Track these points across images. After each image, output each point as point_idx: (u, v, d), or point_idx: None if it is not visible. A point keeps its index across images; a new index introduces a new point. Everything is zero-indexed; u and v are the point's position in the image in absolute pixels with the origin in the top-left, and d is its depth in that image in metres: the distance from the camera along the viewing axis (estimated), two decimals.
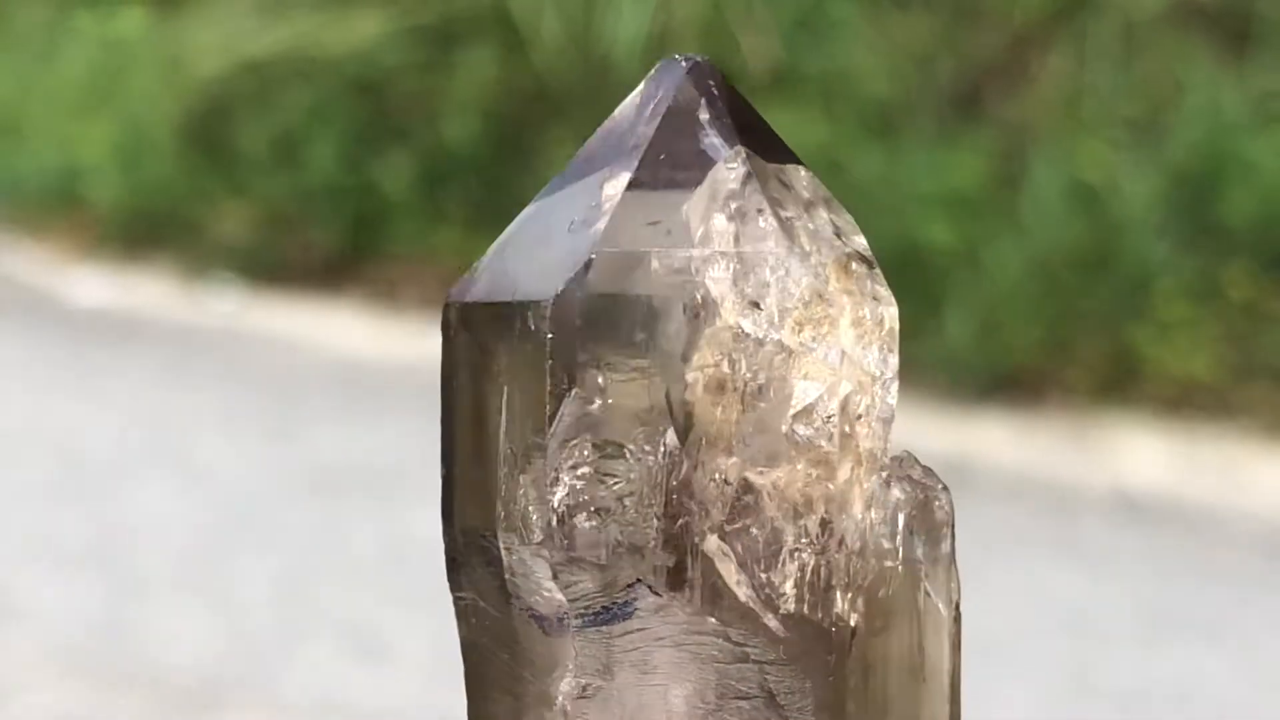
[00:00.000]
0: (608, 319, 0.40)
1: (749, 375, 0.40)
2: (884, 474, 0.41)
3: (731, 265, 0.40)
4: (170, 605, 2.65)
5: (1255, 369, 3.46)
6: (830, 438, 0.40)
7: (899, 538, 0.41)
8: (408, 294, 4.17)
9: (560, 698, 0.41)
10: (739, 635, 0.40)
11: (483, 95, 4.45)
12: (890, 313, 0.41)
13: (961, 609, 0.42)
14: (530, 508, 0.40)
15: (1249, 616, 2.68)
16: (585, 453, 0.40)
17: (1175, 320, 3.54)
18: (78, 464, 3.20)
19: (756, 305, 0.40)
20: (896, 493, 0.41)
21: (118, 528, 2.92)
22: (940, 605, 0.41)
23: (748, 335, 0.40)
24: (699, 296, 0.40)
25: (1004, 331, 3.55)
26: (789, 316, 0.40)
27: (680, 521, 0.40)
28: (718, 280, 0.40)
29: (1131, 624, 2.62)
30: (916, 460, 0.42)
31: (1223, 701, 2.43)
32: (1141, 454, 3.25)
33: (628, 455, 0.40)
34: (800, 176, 0.42)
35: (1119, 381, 3.47)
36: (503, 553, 0.41)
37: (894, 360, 0.41)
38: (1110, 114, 3.89)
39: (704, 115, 0.41)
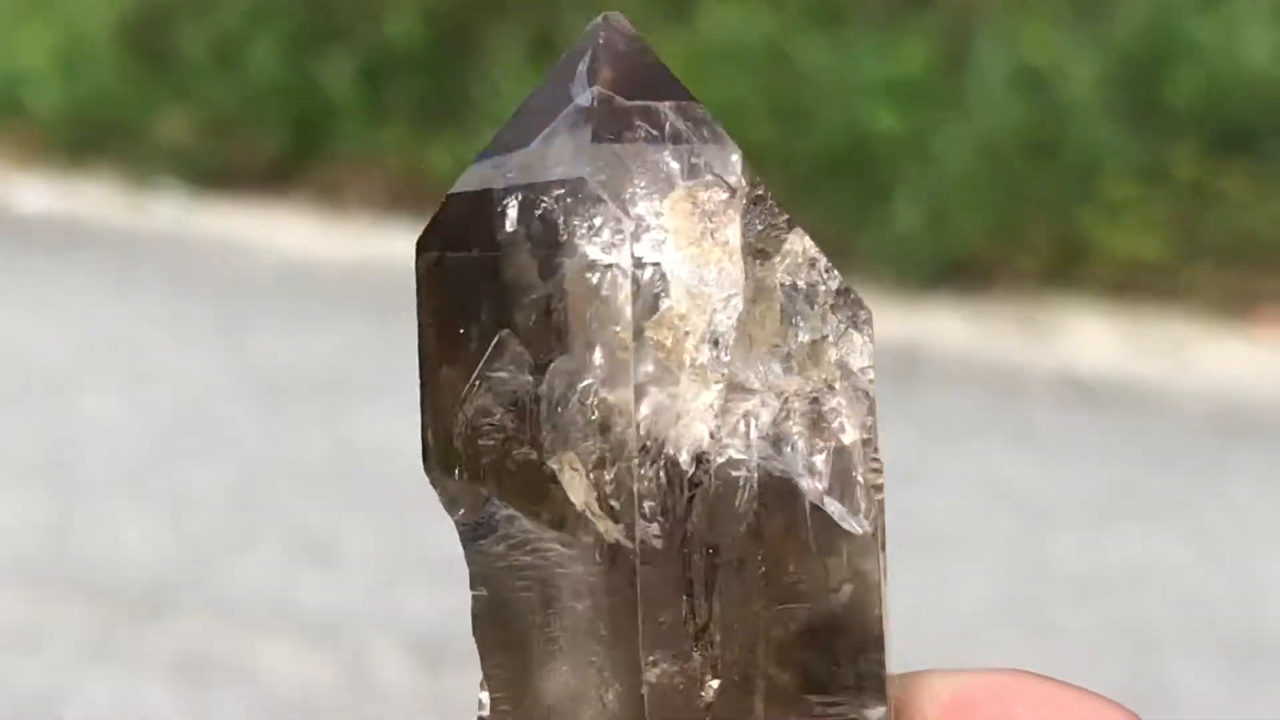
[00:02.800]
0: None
1: (609, 293, 0.41)
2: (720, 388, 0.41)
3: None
4: (117, 513, 2.64)
5: (1203, 249, 3.46)
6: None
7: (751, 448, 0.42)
8: (354, 194, 4.14)
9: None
10: (574, 541, 0.41)
11: None
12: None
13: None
14: (441, 435, 0.43)
15: (1200, 496, 2.70)
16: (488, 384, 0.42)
17: (1122, 202, 3.54)
18: (21, 372, 3.18)
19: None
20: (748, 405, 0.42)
21: (63, 436, 2.91)
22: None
23: (598, 262, 0.42)
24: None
25: (952, 218, 3.55)
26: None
27: (544, 437, 0.41)
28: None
29: (1083, 507, 2.64)
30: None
31: (1176, 581, 2.45)
32: (1090, 337, 3.26)
33: (517, 387, 0.42)
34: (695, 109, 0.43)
35: (1067, 265, 3.47)
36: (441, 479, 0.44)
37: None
38: None
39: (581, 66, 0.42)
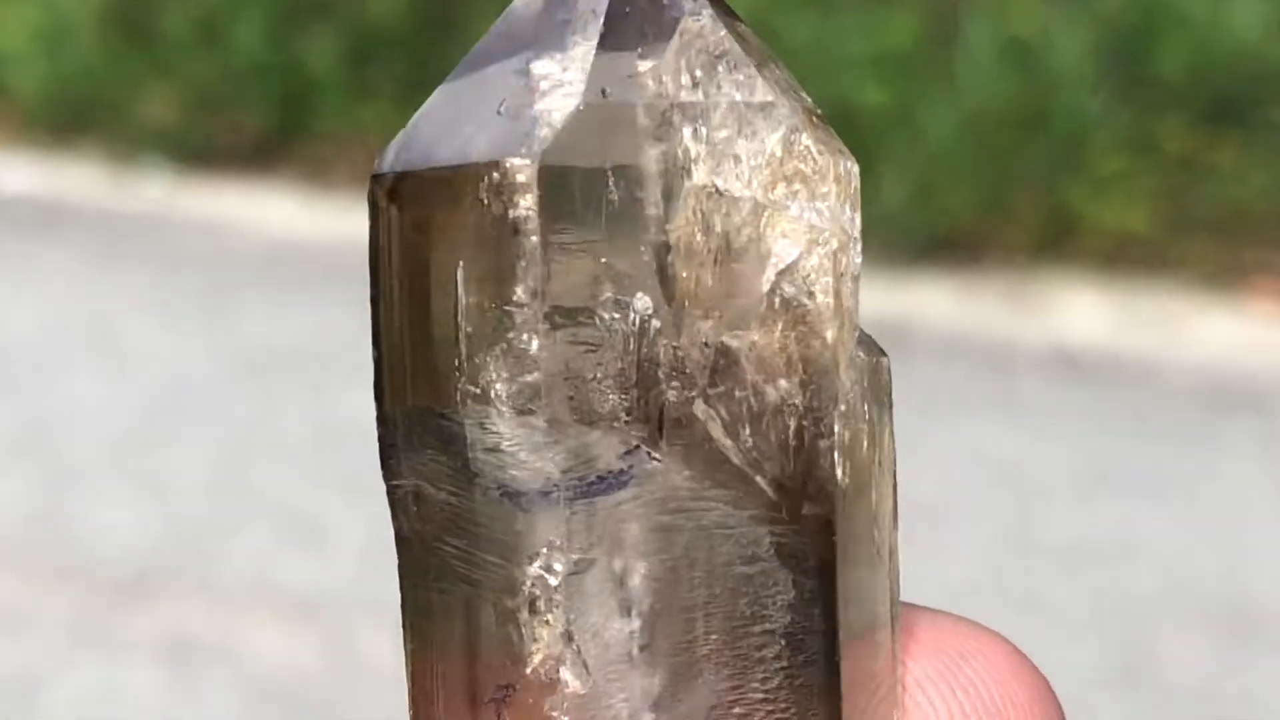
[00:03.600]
0: (576, 180, 0.37)
1: (725, 235, 0.38)
2: (855, 333, 0.39)
3: (704, 119, 0.38)
4: (102, 495, 2.63)
5: (1191, 221, 3.46)
6: (812, 296, 0.39)
7: (866, 400, 0.40)
8: (338, 172, 4.12)
9: (541, 578, 0.38)
10: (736, 499, 0.38)
11: None
12: (855, 169, 0.40)
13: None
14: (499, 380, 0.38)
15: (1189, 469, 2.69)
16: (558, 319, 0.37)
17: (1111, 175, 3.54)
18: (5, 353, 3.17)
19: (730, 161, 0.38)
20: (861, 354, 0.40)
21: (48, 418, 2.90)
22: (887, 474, 0.41)
23: (722, 193, 0.38)
24: (676, 152, 0.38)
25: (940, 192, 3.54)
26: (762, 173, 0.38)
27: (661, 388, 0.38)
28: (690, 136, 0.38)
29: (1072, 479, 2.63)
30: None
31: (1164, 554, 2.45)
32: (1080, 310, 3.25)
33: (599, 321, 0.38)
34: (751, 33, 0.40)
35: (1056, 238, 3.46)
36: (467, 429, 0.38)
37: (859, 220, 0.40)
38: None
39: None
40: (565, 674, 0.37)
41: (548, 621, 0.38)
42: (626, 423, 0.37)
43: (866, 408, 0.40)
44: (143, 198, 4.12)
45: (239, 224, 3.90)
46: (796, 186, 0.39)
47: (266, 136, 4.33)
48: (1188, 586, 2.37)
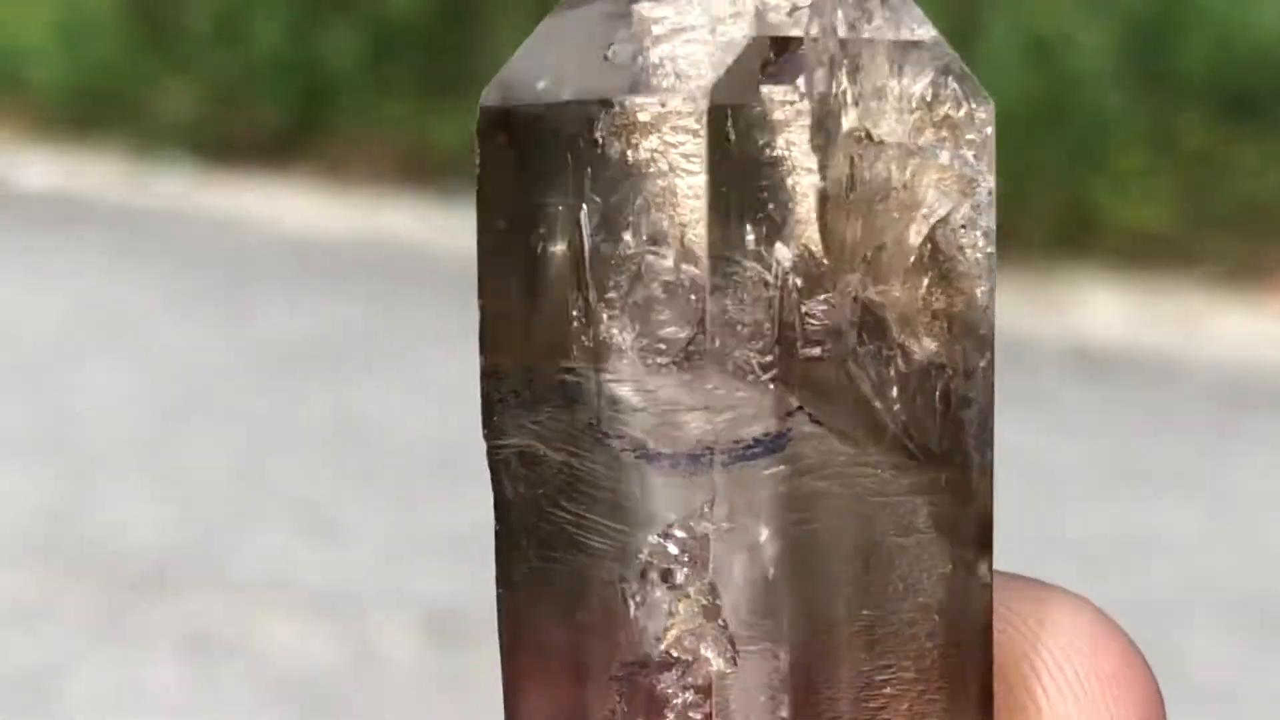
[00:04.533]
0: (724, 122, 0.34)
1: (874, 183, 0.35)
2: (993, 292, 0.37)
3: (854, 64, 0.35)
4: (122, 489, 2.63)
5: (1211, 217, 3.44)
6: (962, 250, 0.36)
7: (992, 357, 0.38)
8: (357, 169, 4.12)
9: (680, 547, 0.35)
10: (896, 466, 0.36)
11: None
12: (993, 110, 0.37)
13: None
14: (638, 332, 0.35)
15: (1208, 466, 2.68)
16: (702, 267, 0.35)
17: (1131, 171, 3.52)
18: (26, 349, 3.17)
19: (878, 105, 0.35)
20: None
21: (68, 412, 2.90)
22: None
23: (873, 138, 0.35)
24: (830, 94, 0.35)
25: None
26: (911, 116, 0.36)
27: (814, 346, 0.35)
28: (839, 81, 0.35)
29: (1092, 476, 2.62)
30: None
31: (1182, 551, 2.44)
32: (1099, 306, 3.24)
33: (745, 269, 0.35)
34: None
35: (1076, 234, 3.45)
36: (600, 384, 0.35)
37: (993, 170, 0.37)
38: None
39: None
40: (706, 651, 0.35)
41: (688, 594, 0.35)
42: (780, 381, 0.35)
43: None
44: (162, 193, 4.13)
45: (258, 219, 3.90)
46: (944, 133, 0.36)
47: (286, 132, 4.33)
48: (1209, 583, 2.36)
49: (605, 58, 0.35)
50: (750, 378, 0.35)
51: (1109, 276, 3.33)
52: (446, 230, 3.58)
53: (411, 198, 3.91)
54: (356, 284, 3.40)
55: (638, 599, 0.35)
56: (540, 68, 0.36)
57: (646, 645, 0.35)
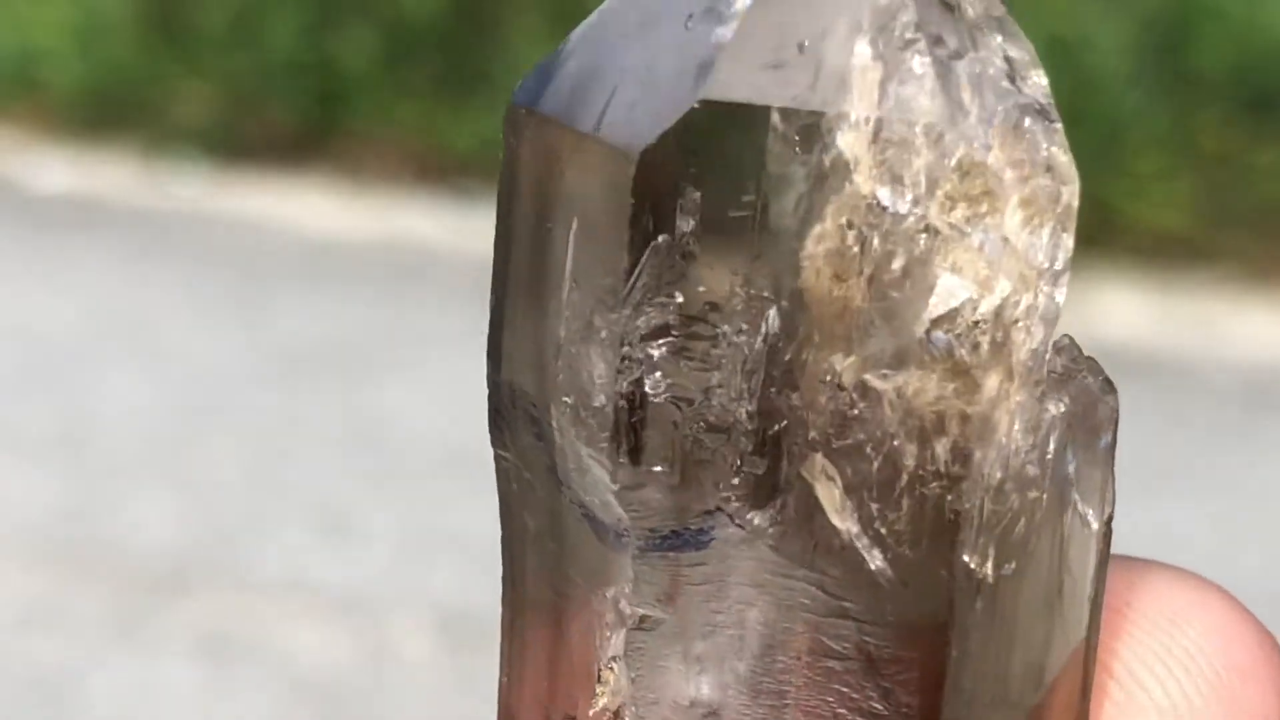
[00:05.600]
0: (712, 172, 0.31)
1: (882, 257, 0.31)
2: (1039, 388, 0.32)
3: (872, 118, 0.31)
4: (138, 491, 2.63)
5: (1230, 218, 3.43)
6: (976, 348, 0.32)
7: (1049, 460, 0.32)
8: (372, 170, 4.12)
9: (613, 617, 0.33)
10: (835, 583, 0.32)
11: None
12: (1069, 189, 0.32)
13: (1114, 518, 0.34)
14: (594, 386, 0.32)
15: (1226, 467, 2.67)
16: (667, 323, 0.31)
17: (1149, 172, 3.51)
18: (41, 352, 3.17)
19: (898, 172, 0.31)
20: (1052, 409, 0.32)
21: (85, 414, 2.90)
22: (1091, 516, 0.33)
23: (884, 208, 0.31)
24: (827, 158, 0.31)
25: None
26: (939, 189, 0.32)
27: (776, 428, 0.31)
28: (853, 137, 0.31)
29: None
30: (1078, 348, 0.33)
31: (1200, 552, 2.43)
32: (1118, 307, 3.23)
33: (720, 334, 0.31)
34: None
35: (1094, 235, 3.44)
36: (555, 433, 0.33)
37: (1069, 243, 0.32)
38: None
39: None
40: None
41: (612, 669, 0.32)
42: (726, 471, 0.31)
43: (1052, 467, 0.33)
44: (178, 195, 4.13)
45: (274, 221, 3.90)
46: (984, 209, 0.32)
47: (302, 134, 4.33)
48: (1228, 584, 2.35)
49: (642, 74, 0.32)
50: (690, 458, 0.31)
51: (1127, 277, 3.32)
52: (462, 232, 3.57)
53: (427, 199, 3.91)
54: (372, 285, 3.40)
55: (584, 654, 0.33)
56: (577, 65, 0.34)
57: (582, 706, 0.33)
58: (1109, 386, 0.34)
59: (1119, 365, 2.57)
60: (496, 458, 0.35)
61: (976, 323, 0.32)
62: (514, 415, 0.34)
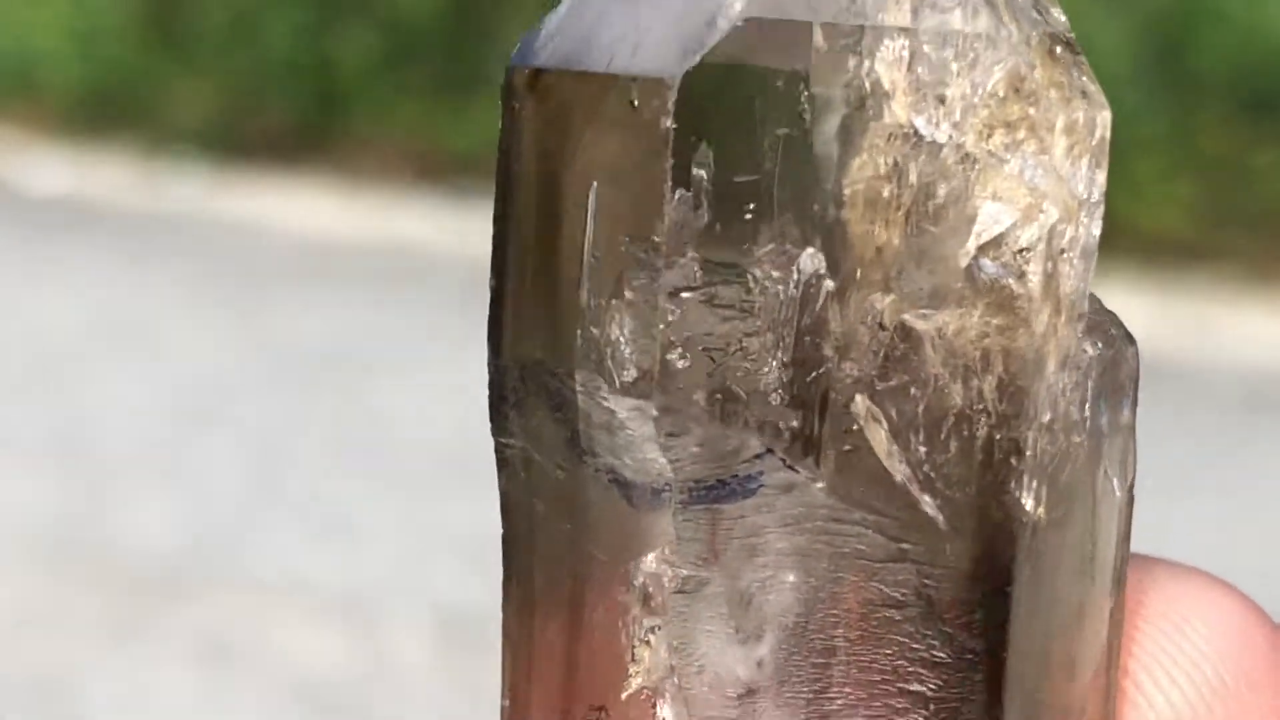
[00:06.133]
0: (742, 106, 0.30)
1: (920, 189, 0.30)
2: (1081, 323, 0.31)
3: (908, 44, 0.30)
4: (137, 492, 2.63)
5: (1229, 220, 3.43)
6: (1023, 277, 0.31)
7: (1088, 405, 0.32)
8: (371, 171, 4.12)
9: (647, 589, 0.31)
10: (893, 524, 0.30)
11: None
12: (1104, 116, 0.31)
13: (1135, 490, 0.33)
14: (623, 341, 0.30)
15: (1226, 470, 2.67)
16: (696, 273, 0.30)
17: (1150, 173, 3.51)
18: (41, 354, 3.16)
19: (937, 99, 0.30)
20: (1089, 349, 0.32)
21: (84, 417, 2.89)
22: (1116, 485, 0.33)
23: (922, 137, 0.30)
24: (865, 84, 0.30)
25: None
26: (977, 115, 0.31)
27: (817, 373, 0.30)
28: (889, 63, 0.30)
29: None
30: (1097, 299, 0.33)
31: (1200, 554, 2.42)
32: (1117, 308, 3.22)
33: (751, 280, 0.30)
34: None
35: None
36: (579, 397, 0.31)
37: (1103, 178, 0.31)
38: None
39: None
40: (663, 710, 0.31)
41: (649, 643, 0.31)
42: (768, 416, 0.30)
43: (1089, 414, 0.32)
44: (175, 197, 4.12)
45: (272, 223, 3.90)
46: (1021, 135, 0.31)
47: (301, 135, 4.33)
48: None
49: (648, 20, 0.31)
50: (730, 406, 0.30)
51: (1127, 278, 3.32)
52: (461, 232, 3.57)
53: (426, 199, 3.90)
54: (371, 286, 3.39)
55: (612, 636, 0.31)
56: (574, 29, 0.33)
57: (613, 692, 0.31)
58: (1130, 339, 0.33)
59: None
60: (498, 448, 0.34)
61: (1022, 250, 0.31)
62: (524, 393, 0.32)
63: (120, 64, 4.62)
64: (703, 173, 0.30)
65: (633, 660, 0.31)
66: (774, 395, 0.30)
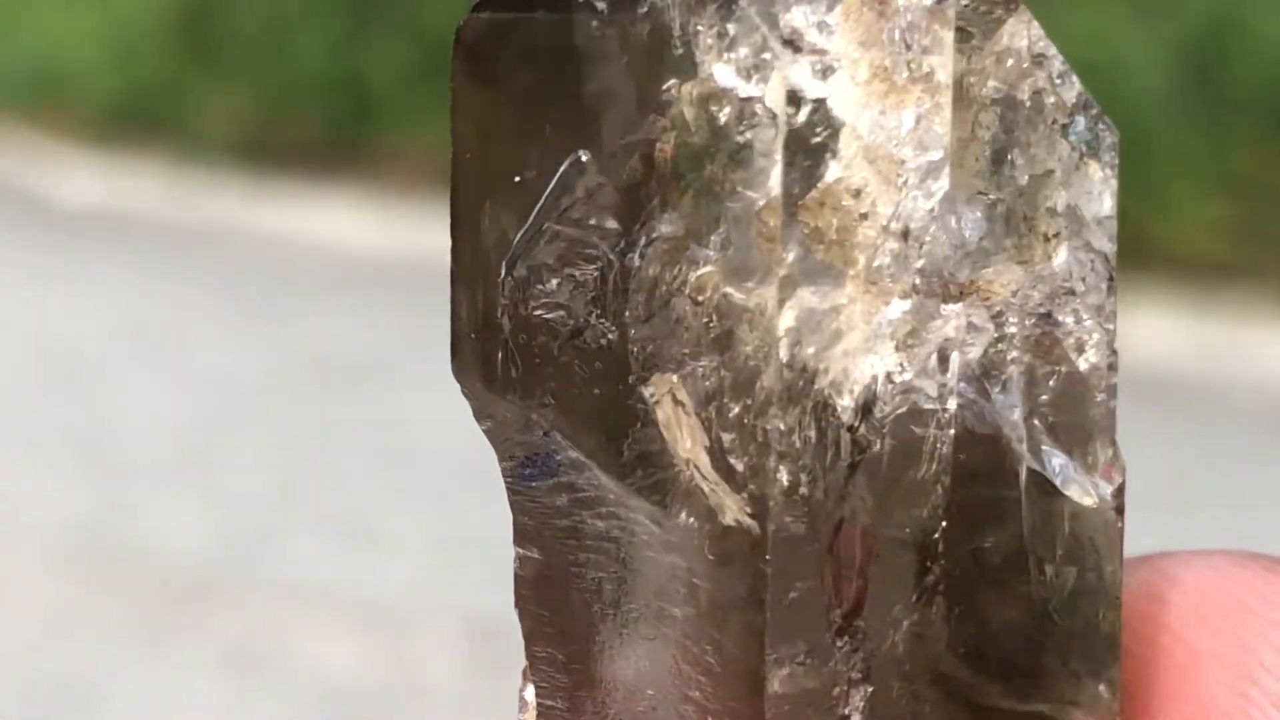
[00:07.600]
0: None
1: (746, 140, 0.28)
2: (908, 300, 0.28)
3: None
4: (164, 500, 2.63)
5: (1262, 241, 3.42)
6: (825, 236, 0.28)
7: (947, 389, 0.29)
8: (402, 183, 4.12)
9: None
10: (669, 516, 0.28)
11: None
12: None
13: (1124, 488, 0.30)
14: (476, 309, 0.31)
15: (1257, 489, 2.66)
16: (553, 241, 0.29)
17: (1183, 193, 3.50)
18: (71, 362, 3.17)
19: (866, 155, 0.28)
20: (951, 331, 0.29)
21: (112, 424, 2.90)
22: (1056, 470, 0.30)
23: (729, 90, 0.28)
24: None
25: None
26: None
27: (633, 342, 0.28)
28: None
29: (1137, 500, 2.60)
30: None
31: None
32: (1147, 330, 3.22)
33: (593, 246, 0.28)
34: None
35: (1125, 257, 3.42)
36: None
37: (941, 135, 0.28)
38: None
39: None
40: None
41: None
42: (556, 380, 0.30)
43: (958, 404, 0.30)
44: (205, 207, 4.13)
45: (303, 234, 3.90)
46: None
47: (332, 146, 4.34)
48: None
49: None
50: (502, 373, 0.29)
51: (1160, 299, 3.31)
52: None
53: None
54: (400, 297, 3.39)
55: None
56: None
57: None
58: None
59: (1151, 388, 2.54)
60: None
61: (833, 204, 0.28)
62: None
63: (152, 75, 4.63)
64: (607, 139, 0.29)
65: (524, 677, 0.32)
66: (596, 368, 0.29)
